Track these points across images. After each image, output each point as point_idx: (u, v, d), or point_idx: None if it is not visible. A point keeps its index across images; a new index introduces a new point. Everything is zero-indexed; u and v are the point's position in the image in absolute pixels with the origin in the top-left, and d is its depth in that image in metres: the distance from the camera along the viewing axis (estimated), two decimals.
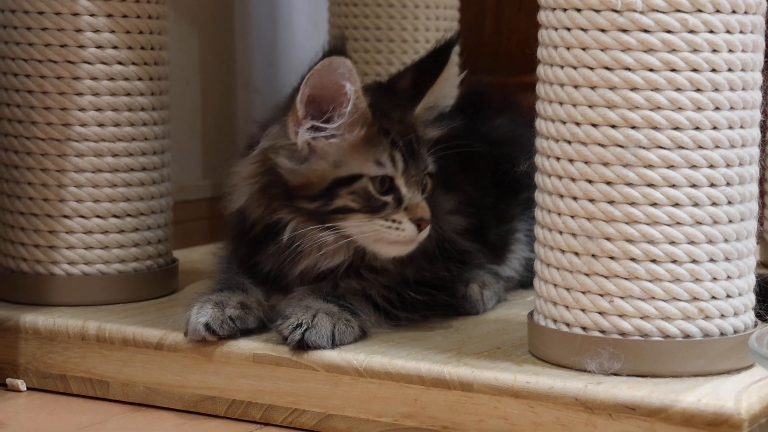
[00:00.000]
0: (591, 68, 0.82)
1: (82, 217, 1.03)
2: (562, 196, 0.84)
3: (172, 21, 1.45)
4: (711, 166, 0.81)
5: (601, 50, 0.81)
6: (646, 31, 0.80)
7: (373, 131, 0.94)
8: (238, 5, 1.65)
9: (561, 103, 0.84)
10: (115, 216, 1.05)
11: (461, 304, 1.02)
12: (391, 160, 0.94)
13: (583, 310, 0.83)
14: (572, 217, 0.83)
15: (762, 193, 1.24)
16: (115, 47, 1.03)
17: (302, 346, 0.90)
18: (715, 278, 0.82)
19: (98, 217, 1.04)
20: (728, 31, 0.81)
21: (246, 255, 0.98)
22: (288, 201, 0.94)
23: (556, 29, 0.84)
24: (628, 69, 0.81)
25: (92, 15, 1.02)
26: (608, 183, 0.82)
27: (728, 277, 0.82)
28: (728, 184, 0.82)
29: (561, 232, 0.84)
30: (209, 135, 1.61)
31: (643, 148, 0.81)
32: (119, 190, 1.04)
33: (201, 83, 1.59)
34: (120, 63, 1.04)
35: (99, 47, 1.03)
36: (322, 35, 1.60)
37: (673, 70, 0.80)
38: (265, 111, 1.06)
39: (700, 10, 0.80)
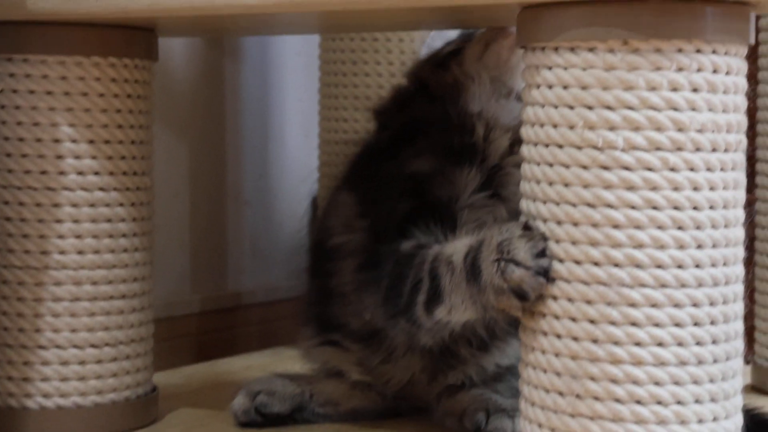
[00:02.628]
0: (573, 204, 0.81)
1: (59, 347, 1.02)
2: (545, 334, 0.82)
3: (160, 134, 1.45)
4: (695, 305, 0.80)
5: (583, 187, 0.81)
6: (627, 168, 0.79)
7: None
8: (229, 117, 1.65)
9: None
10: (93, 346, 1.03)
11: None
12: None
13: None
14: (556, 355, 0.82)
15: (752, 314, 1.23)
16: (96, 173, 1.02)
17: None
18: (701, 420, 0.80)
19: (75, 347, 1.02)
20: (709, 169, 0.80)
21: None
22: None
23: (538, 164, 0.83)
24: (610, 206, 0.80)
25: (73, 141, 1.02)
26: (591, 321, 0.80)
27: (714, 418, 0.81)
28: (713, 323, 0.81)
29: (545, 371, 0.83)
30: (198, 249, 1.60)
31: (626, 286, 0.80)
32: (98, 319, 1.03)
33: (190, 196, 1.58)
34: (101, 189, 1.03)
35: (80, 173, 1.02)
36: (313, 146, 1.60)
37: (654, 208, 0.79)
38: None
39: (680, 149, 0.79)
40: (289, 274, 1.29)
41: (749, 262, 0.86)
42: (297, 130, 1.77)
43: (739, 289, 0.83)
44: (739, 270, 0.83)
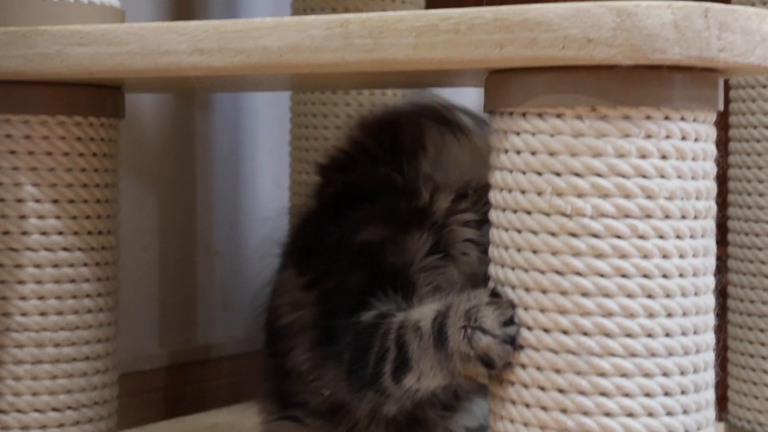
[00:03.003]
0: (542, 272, 0.80)
1: (19, 411, 1.00)
2: (514, 402, 0.81)
3: (130, 186, 1.44)
4: (665, 375, 0.79)
5: (552, 254, 0.80)
6: (595, 236, 0.79)
7: None
8: (200, 167, 1.64)
9: None
10: (54, 409, 1.01)
11: None
12: None
13: None
14: (525, 425, 0.81)
15: (724, 376, 1.22)
16: (60, 233, 1.01)
17: None
18: None
19: (36, 411, 1.00)
20: (678, 237, 0.79)
21: None
22: None
23: (506, 230, 0.82)
24: (579, 274, 0.79)
25: (37, 201, 1.00)
26: (560, 391, 0.79)
27: None
28: (683, 392, 0.80)
29: None
30: (167, 301, 1.58)
31: (596, 355, 0.79)
32: (60, 381, 1.01)
33: (160, 248, 1.57)
34: (65, 249, 1.01)
35: (43, 234, 1.00)
36: (284, 195, 1.60)
37: (623, 276, 0.79)
38: None
39: (649, 216, 0.79)
40: (260, 326, 1.28)
41: (720, 329, 0.86)
42: (268, 181, 1.76)
43: (710, 357, 0.83)
44: (710, 338, 0.82)
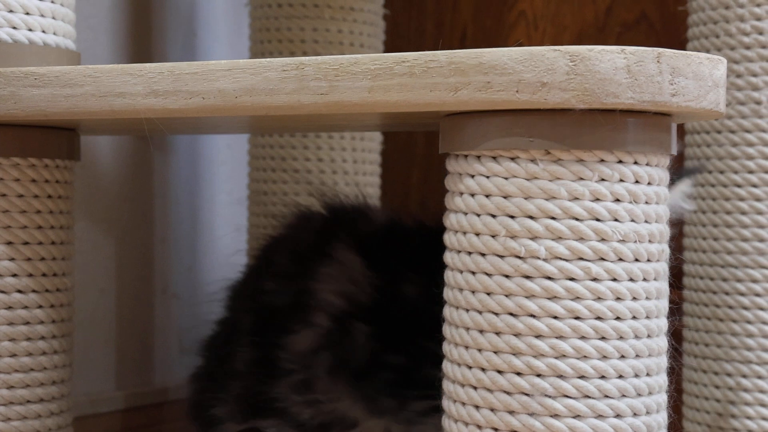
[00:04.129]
0: (496, 314, 0.80)
1: None
2: None
3: (87, 228, 1.43)
4: (618, 416, 0.79)
5: (506, 296, 0.80)
6: (549, 278, 0.79)
7: None
8: (158, 209, 1.64)
9: (467, 347, 0.82)
10: None
11: None
12: None
13: None
14: None
15: (678, 419, 1.23)
16: (14, 275, 1.00)
17: None
18: None
19: None
20: (632, 279, 0.80)
21: None
22: None
23: (461, 272, 0.82)
24: (533, 315, 0.79)
25: None
26: None
27: None
28: None
29: None
30: (124, 344, 1.57)
31: (549, 396, 0.79)
32: (13, 424, 1.00)
33: (116, 290, 1.56)
34: (19, 291, 1.00)
35: None
36: (243, 238, 1.59)
37: (577, 318, 0.79)
38: None
39: (603, 258, 0.79)
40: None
41: (674, 371, 0.86)
42: (227, 223, 1.76)
43: (663, 399, 0.83)
44: (663, 379, 0.83)
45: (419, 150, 1.83)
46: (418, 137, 1.80)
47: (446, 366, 0.84)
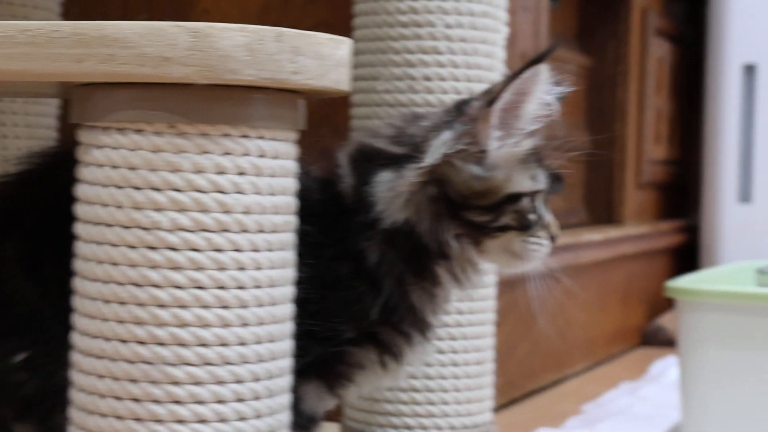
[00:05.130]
0: (120, 284, 0.82)
1: None
2: (91, 412, 0.82)
3: None
4: (238, 381, 0.82)
5: (130, 266, 0.81)
6: (173, 249, 0.81)
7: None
8: None
9: (92, 318, 0.83)
10: None
11: None
12: (539, 176, 0.97)
13: None
14: None
15: None
16: None
17: None
18: None
19: None
20: (255, 250, 0.83)
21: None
22: (453, 214, 0.95)
23: (89, 243, 0.83)
24: (156, 286, 0.81)
25: None
26: (135, 400, 0.81)
27: None
28: (256, 398, 0.83)
29: None
30: None
31: (170, 364, 0.81)
32: None
33: None
34: None
35: None
36: None
37: (199, 288, 0.81)
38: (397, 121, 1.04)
39: (226, 230, 0.82)
40: None
41: None
42: None
43: (286, 364, 0.86)
44: (286, 346, 0.86)
45: None
46: None
47: (75, 337, 0.85)
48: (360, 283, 0.97)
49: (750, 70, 2.66)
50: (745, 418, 1.42)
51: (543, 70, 0.95)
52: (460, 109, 0.98)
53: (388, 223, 0.97)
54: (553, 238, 0.99)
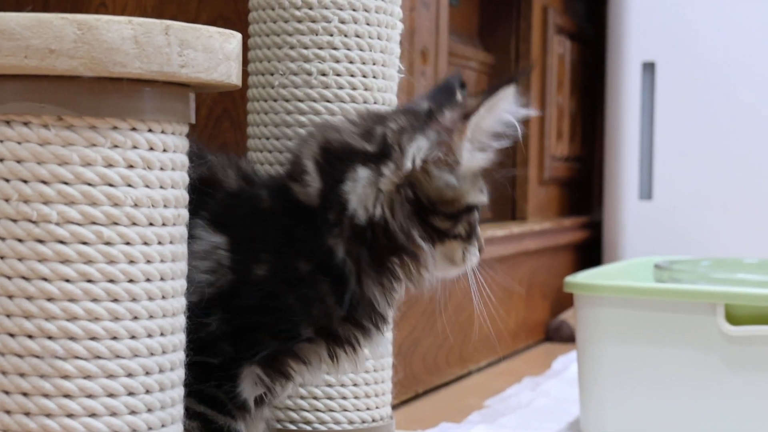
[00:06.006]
0: (9, 277, 0.81)
1: None
2: None
3: None
4: (129, 375, 0.82)
5: (18, 260, 0.81)
6: (62, 242, 0.81)
7: None
8: None
9: None
10: None
11: None
12: (484, 189, 1.01)
13: None
14: None
15: None
16: None
17: None
18: None
19: None
20: (145, 243, 0.83)
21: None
22: (420, 216, 0.98)
23: None
24: (45, 279, 0.81)
25: None
26: (24, 394, 0.81)
27: None
28: (148, 392, 0.83)
29: None
30: None
31: (60, 358, 0.81)
32: None
33: None
34: None
35: None
36: None
37: (89, 281, 0.81)
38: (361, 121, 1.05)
39: (115, 223, 0.81)
40: None
41: None
42: None
43: (179, 357, 0.87)
44: (178, 339, 0.86)
45: None
46: None
47: None
48: (323, 282, 0.98)
49: (649, 68, 2.71)
50: (642, 412, 1.45)
51: (512, 91, 0.98)
52: (430, 115, 1.00)
53: (362, 219, 0.98)
54: (480, 250, 1.03)
